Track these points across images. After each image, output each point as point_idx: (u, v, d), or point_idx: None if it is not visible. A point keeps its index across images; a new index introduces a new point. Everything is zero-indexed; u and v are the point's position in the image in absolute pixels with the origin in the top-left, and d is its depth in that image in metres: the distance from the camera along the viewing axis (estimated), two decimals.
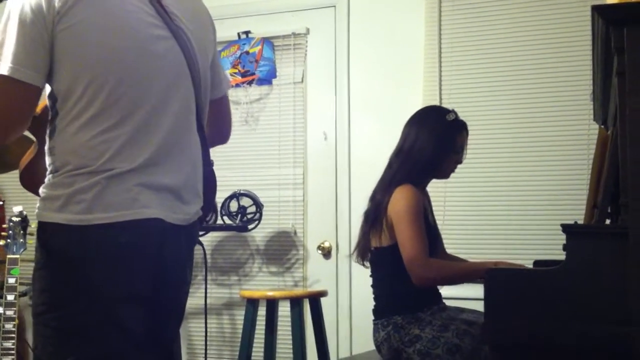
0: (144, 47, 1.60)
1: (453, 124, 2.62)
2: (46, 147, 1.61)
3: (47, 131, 1.61)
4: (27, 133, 1.68)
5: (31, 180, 1.74)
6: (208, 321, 3.94)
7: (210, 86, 1.79)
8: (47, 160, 1.61)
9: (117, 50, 1.57)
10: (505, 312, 1.82)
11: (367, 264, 2.67)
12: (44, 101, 1.63)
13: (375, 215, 2.58)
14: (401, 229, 2.48)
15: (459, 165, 2.72)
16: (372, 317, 2.62)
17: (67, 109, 1.56)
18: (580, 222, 2.53)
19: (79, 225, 1.53)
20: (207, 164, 1.76)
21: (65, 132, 1.57)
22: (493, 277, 1.85)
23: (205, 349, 1.74)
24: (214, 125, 1.83)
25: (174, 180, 1.63)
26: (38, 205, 1.59)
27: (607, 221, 2.18)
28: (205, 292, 1.70)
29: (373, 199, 2.63)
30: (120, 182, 1.56)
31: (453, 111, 2.65)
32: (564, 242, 1.81)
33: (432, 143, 2.58)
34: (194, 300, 3.76)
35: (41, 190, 1.60)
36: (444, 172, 2.68)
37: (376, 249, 2.60)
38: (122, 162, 1.56)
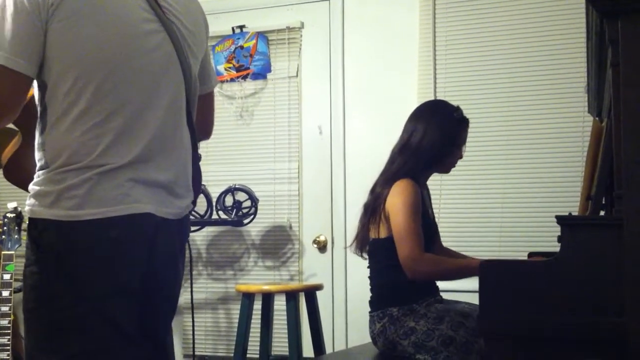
0: (134, 41, 1.60)
1: (459, 120, 2.65)
2: (36, 143, 1.61)
3: (38, 127, 1.61)
4: (10, 125, 1.67)
5: (17, 174, 1.73)
6: (204, 315, 3.95)
7: (199, 81, 1.79)
8: (37, 155, 1.60)
9: (106, 45, 1.57)
10: (500, 304, 1.82)
11: (365, 255, 2.68)
12: (30, 91, 1.62)
13: (374, 207, 2.59)
14: (397, 222, 2.49)
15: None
16: (368, 309, 2.63)
17: (57, 103, 1.56)
18: (575, 213, 2.54)
19: (70, 221, 1.53)
20: (195, 159, 1.77)
21: (55, 127, 1.56)
22: (488, 268, 1.85)
23: (193, 342, 1.75)
24: (199, 121, 1.83)
25: (166, 176, 1.63)
26: (28, 201, 1.58)
27: (602, 212, 2.18)
28: (191, 286, 1.71)
29: (373, 191, 2.64)
30: (111, 177, 1.55)
31: (458, 107, 2.67)
32: (559, 233, 1.81)
33: (439, 139, 2.60)
34: (190, 294, 3.75)
35: (31, 186, 1.59)
36: (447, 167, 2.71)
37: (374, 240, 2.61)
38: (114, 158, 1.56)
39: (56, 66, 1.56)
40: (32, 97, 1.63)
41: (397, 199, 2.51)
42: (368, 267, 2.68)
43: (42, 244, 1.56)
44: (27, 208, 1.58)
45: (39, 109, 1.61)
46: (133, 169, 1.58)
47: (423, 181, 2.69)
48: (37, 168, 1.60)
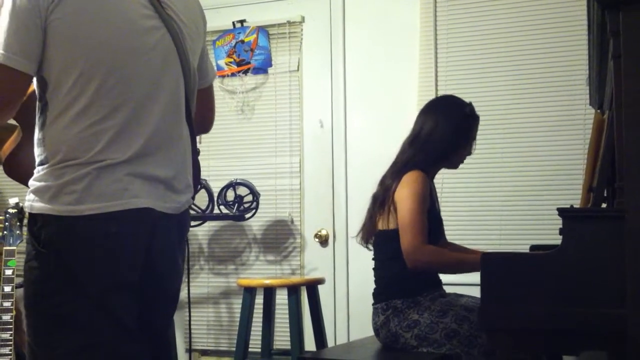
0: (135, 38, 1.60)
1: (470, 116, 2.66)
2: (36, 138, 1.61)
3: (37, 122, 1.61)
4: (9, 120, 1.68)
5: (16, 170, 1.73)
6: (206, 310, 3.96)
7: (198, 76, 1.79)
8: (37, 151, 1.60)
9: (107, 43, 1.57)
10: (501, 297, 1.82)
11: (370, 246, 2.68)
12: (30, 87, 1.62)
13: (383, 198, 2.60)
14: (402, 212, 2.50)
15: None
16: (372, 301, 2.63)
17: (58, 99, 1.56)
18: (577, 206, 2.54)
19: (70, 216, 1.53)
20: (194, 153, 1.76)
21: (56, 123, 1.56)
22: (489, 261, 1.85)
23: (190, 338, 1.76)
24: (199, 114, 1.83)
25: (165, 171, 1.63)
26: (28, 197, 1.59)
27: (603, 205, 2.18)
28: (188, 283, 1.72)
29: (382, 183, 2.65)
30: (110, 172, 1.56)
31: (470, 103, 2.67)
32: (561, 226, 1.81)
33: (451, 133, 2.61)
34: (192, 289, 3.76)
35: (31, 182, 1.60)
36: (455, 163, 2.72)
37: (381, 231, 2.61)
38: (113, 154, 1.56)
39: (57, 63, 1.56)
40: (33, 92, 1.63)
41: (405, 190, 2.53)
42: (373, 258, 2.68)
43: (42, 239, 1.56)
44: (26, 203, 1.59)
45: (39, 104, 1.61)
46: (132, 164, 1.58)
47: (432, 175, 2.69)
48: (36, 163, 1.60)
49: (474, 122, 2.69)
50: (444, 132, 2.61)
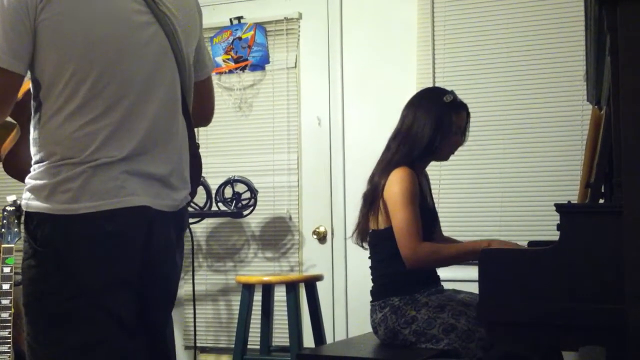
0: (127, 35, 1.59)
1: (450, 105, 2.61)
2: (31, 137, 1.61)
3: (32, 121, 1.61)
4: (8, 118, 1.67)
5: (15, 167, 1.73)
6: (205, 307, 3.96)
7: (195, 69, 1.78)
8: (32, 150, 1.60)
9: (99, 41, 1.56)
10: (499, 292, 1.82)
11: (366, 245, 2.68)
12: (25, 85, 1.62)
13: (373, 197, 2.58)
14: (395, 211, 2.49)
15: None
16: (369, 299, 2.63)
17: (52, 99, 1.56)
18: (575, 202, 2.54)
19: (66, 214, 1.53)
20: (192, 147, 1.76)
21: (50, 123, 1.56)
22: (487, 257, 1.85)
23: (195, 334, 1.76)
24: (198, 107, 1.82)
25: (161, 169, 1.63)
26: (24, 195, 1.59)
27: (601, 200, 2.19)
28: (193, 278, 1.73)
29: (371, 181, 2.63)
30: (106, 170, 1.55)
31: (452, 92, 2.64)
32: (558, 222, 1.81)
33: (429, 124, 2.57)
34: (190, 286, 3.76)
35: (27, 180, 1.60)
36: (443, 154, 2.68)
37: (374, 231, 2.61)
38: (109, 152, 1.56)
39: (49, 63, 1.55)
40: (29, 90, 1.63)
41: (394, 188, 2.51)
42: (369, 257, 2.68)
43: (38, 237, 1.56)
44: (23, 202, 1.59)
45: (33, 104, 1.61)
46: (128, 162, 1.58)
47: (420, 169, 2.67)
48: (32, 162, 1.60)
49: (456, 110, 2.62)
50: (423, 125, 2.57)
